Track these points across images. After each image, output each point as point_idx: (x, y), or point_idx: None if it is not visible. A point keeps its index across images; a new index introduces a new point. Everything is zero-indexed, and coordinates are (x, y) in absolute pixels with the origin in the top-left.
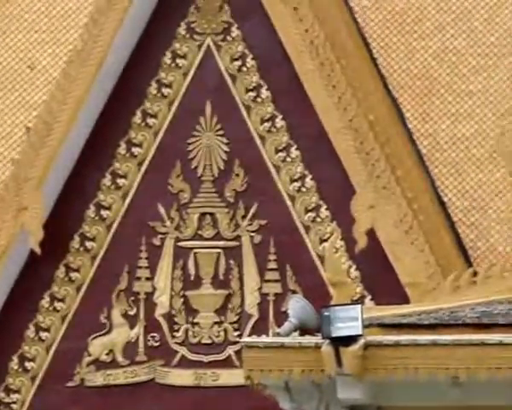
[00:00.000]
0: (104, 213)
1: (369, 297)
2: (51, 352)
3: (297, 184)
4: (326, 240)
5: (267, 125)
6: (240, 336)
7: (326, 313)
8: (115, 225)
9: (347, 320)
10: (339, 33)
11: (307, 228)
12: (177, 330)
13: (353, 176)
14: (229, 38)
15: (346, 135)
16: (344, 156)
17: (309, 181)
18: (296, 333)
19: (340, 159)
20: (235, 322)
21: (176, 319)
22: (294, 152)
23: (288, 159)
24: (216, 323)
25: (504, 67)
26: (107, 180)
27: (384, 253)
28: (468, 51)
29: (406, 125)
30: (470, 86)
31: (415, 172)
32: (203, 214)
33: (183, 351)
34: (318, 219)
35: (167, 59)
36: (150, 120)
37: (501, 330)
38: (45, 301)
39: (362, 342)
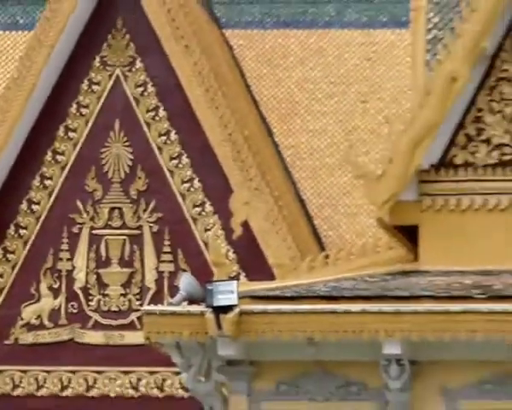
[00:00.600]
0: (34, 207)
1: (244, 275)
2: None
3: (187, 185)
4: (209, 229)
5: (163, 138)
6: (141, 305)
7: (209, 287)
8: (43, 217)
9: (226, 293)
10: (221, 66)
11: (195, 220)
12: (92, 300)
13: (231, 179)
14: (133, 69)
15: (225, 147)
16: (224, 163)
17: (196, 183)
18: (185, 303)
19: (221, 165)
20: (137, 294)
21: (90, 291)
22: (185, 160)
23: (180, 165)
24: (122, 294)
25: (352, 93)
26: (36, 181)
27: (256, 240)
28: (323, 80)
29: (273, 139)
30: (324, 108)
31: (280, 177)
32: (112, 209)
33: (96, 317)
34: (204, 213)
35: (85, 85)
36: (71, 134)
37: (347, 301)
38: None
39: (237, 310)
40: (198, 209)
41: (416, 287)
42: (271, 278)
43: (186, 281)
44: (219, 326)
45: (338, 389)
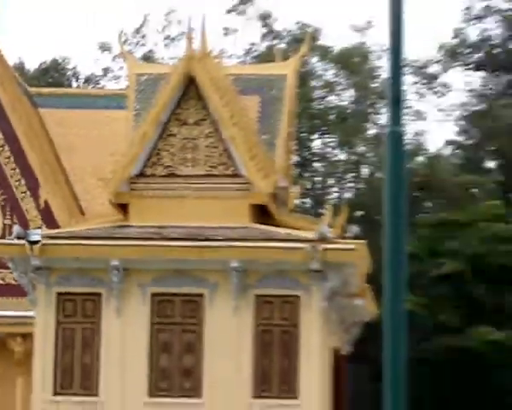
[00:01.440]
0: None
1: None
2: None
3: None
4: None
5: None
6: None
7: (27, 231)
8: None
9: (35, 234)
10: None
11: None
12: None
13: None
14: None
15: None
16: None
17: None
18: (17, 239)
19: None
20: None
21: None
22: None
23: None
24: None
25: None
26: None
27: (52, 211)
28: None
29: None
30: None
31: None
32: None
33: None
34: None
35: None
36: None
37: (94, 239)
38: None
39: (40, 243)
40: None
41: (127, 231)
42: (58, 227)
43: (17, 228)
44: (32, 250)
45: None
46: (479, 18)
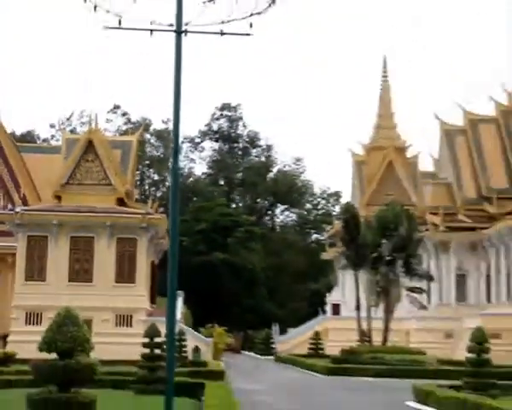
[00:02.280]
0: None
1: None
2: None
3: None
4: None
5: None
6: None
7: None
8: None
9: None
10: None
11: None
12: None
13: None
14: None
15: None
16: None
17: None
18: None
19: None
20: None
21: None
22: None
23: None
24: None
25: None
26: None
27: None
28: None
29: None
30: None
31: None
32: None
33: None
34: None
35: None
36: None
37: None
38: None
39: None
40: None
41: (61, 209)
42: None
43: (10, 207)
44: (16, 216)
45: None
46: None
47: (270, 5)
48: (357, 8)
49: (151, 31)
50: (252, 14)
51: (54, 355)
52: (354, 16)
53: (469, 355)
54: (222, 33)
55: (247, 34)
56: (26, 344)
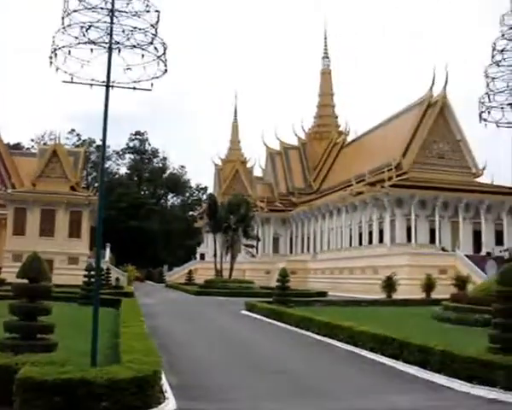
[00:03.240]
0: None
1: None
2: None
3: None
4: None
5: None
6: None
7: None
8: None
9: None
10: None
11: None
12: None
13: None
14: None
15: None
16: None
17: None
18: None
19: None
20: None
21: None
22: None
23: None
24: None
25: None
26: None
27: None
28: None
29: None
30: None
31: None
32: None
33: None
34: None
35: None
36: None
37: None
38: None
39: None
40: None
41: (36, 191)
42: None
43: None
44: (8, 193)
45: None
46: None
47: (163, 73)
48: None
49: (91, 85)
50: (153, 78)
51: (26, 281)
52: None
53: (277, 283)
54: (134, 88)
55: (149, 89)
56: (12, 274)
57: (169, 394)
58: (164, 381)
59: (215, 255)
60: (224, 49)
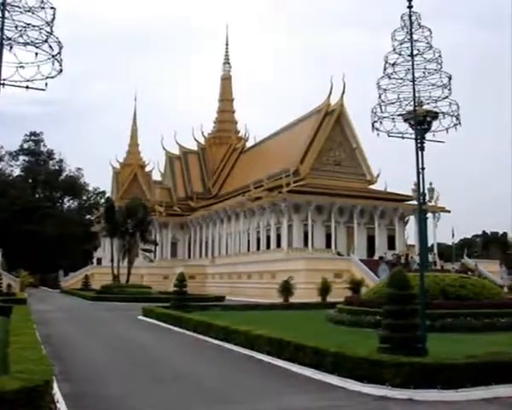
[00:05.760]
0: None
1: None
2: None
3: None
4: None
5: None
6: None
7: None
8: None
9: None
10: None
11: None
12: None
13: None
14: None
15: None
16: None
17: None
18: None
19: None
20: None
21: None
22: None
23: None
24: None
25: None
26: None
27: None
28: None
29: None
30: None
31: None
32: None
33: None
34: None
35: None
36: None
37: None
38: None
39: None
40: None
41: None
42: None
43: None
44: None
45: None
46: None
47: (59, 73)
48: None
49: None
50: (47, 77)
51: None
52: None
53: (175, 288)
54: (27, 87)
55: (44, 89)
56: None
57: (61, 403)
58: (56, 390)
59: (112, 260)
60: (125, 48)
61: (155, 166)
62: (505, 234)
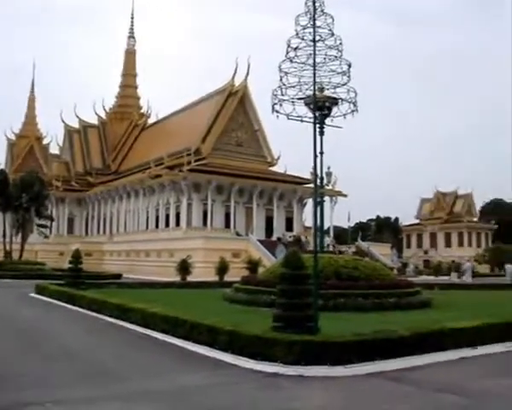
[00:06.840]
0: None
1: None
2: None
3: None
4: None
5: None
6: None
7: None
8: None
9: None
10: None
11: None
12: None
13: None
14: None
15: None
16: None
17: None
18: None
19: None
20: None
21: None
22: None
23: None
24: None
25: None
26: None
27: None
28: None
29: None
30: None
31: None
32: None
33: None
34: None
35: None
36: None
37: None
38: None
39: None
40: None
41: None
42: None
43: None
44: None
45: None
46: None
47: None
48: None
49: None
50: None
51: None
52: None
53: (70, 265)
54: None
55: None
56: None
57: None
58: None
59: (4, 236)
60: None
61: (54, 139)
62: (397, 219)
